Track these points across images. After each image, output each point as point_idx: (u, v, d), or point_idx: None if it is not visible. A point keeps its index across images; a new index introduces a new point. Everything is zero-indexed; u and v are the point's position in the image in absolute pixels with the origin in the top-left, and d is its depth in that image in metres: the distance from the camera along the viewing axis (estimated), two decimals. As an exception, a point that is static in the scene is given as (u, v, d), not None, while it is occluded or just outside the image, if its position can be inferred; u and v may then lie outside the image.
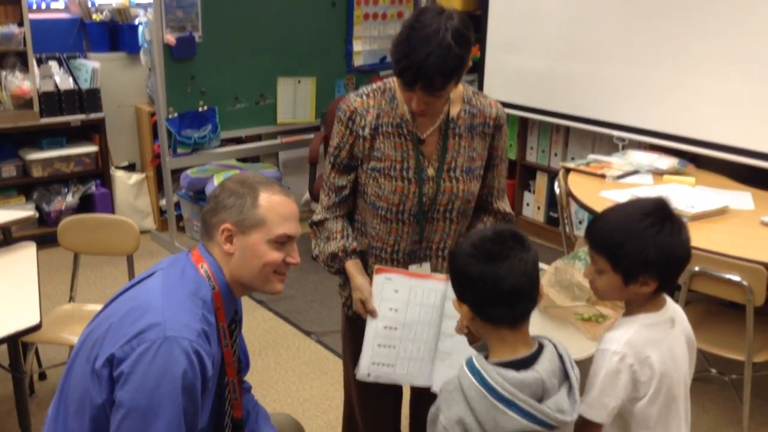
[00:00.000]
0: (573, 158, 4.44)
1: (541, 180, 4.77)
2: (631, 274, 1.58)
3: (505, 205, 2.05)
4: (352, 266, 1.94)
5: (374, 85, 1.97)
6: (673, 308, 1.69)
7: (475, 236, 1.50)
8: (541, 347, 1.47)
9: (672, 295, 1.70)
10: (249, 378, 3.34)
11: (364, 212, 2.00)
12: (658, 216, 1.57)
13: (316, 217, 2.05)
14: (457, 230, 1.96)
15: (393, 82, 1.91)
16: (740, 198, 3.14)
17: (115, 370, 1.47)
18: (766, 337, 2.77)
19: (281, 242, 1.62)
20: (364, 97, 1.93)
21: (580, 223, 4.44)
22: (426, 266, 1.93)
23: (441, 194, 1.90)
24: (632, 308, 1.66)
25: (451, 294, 1.56)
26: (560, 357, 1.48)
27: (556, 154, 4.65)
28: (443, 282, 1.85)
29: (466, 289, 1.48)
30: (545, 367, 1.41)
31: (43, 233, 4.29)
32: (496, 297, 1.43)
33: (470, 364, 1.42)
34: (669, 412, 1.66)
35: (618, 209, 1.67)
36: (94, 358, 1.51)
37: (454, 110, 1.92)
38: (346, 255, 1.95)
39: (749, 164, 3.49)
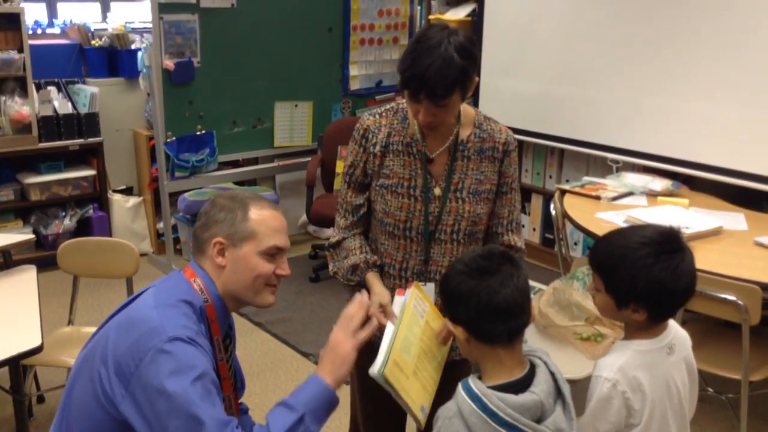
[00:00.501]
0: (568, 180, 4.48)
1: (537, 202, 4.81)
2: (621, 299, 1.58)
3: (517, 239, 2.03)
4: (373, 277, 1.95)
5: (387, 106, 2.02)
6: (674, 334, 1.67)
7: (465, 256, 1.53)
8: (533, 366, 1.48)
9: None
10: (247, 400, 3.32)
11: (375, 229, 2.03)
12: (658, 248, 1.54)
13: (333, 239, 2.06)
14: None
15: (405, 103, 1.95)
16: (734, 219, 3.18)
17: (122, 381, 1.47)
18: (762, 355, 2.79)
19: (272, 254, 1.66)
20: (377, 116, 1.99)
21: (576, 244, 4.47)
22: (430, 286, 1.95)
23: (446, 214, 1.93)
24: (630, 332, 1.66)
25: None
26: (552, 374, 1.48)
27: (551, 177, 4.70)
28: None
29: (460, 308, 1.47)
30: (543, 388, 1.42)
31: (41, 256, 4.30)
32: (490, 312, 1.43)
33: (468, 389, 1.41)
34: None
35: (622, 232, 1.67)
36: (98, 377, 1.52)
37: (465, 133, 1.96)
38: (367, 266, 1.96)
39: (742, 186, 3.54)
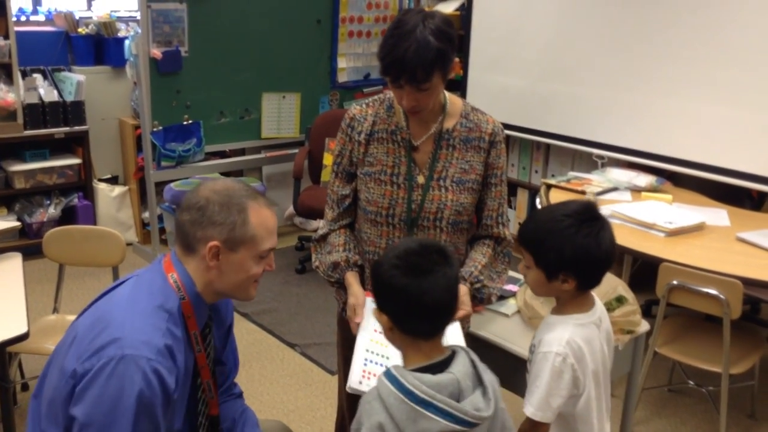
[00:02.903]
0: (553, 175, 4.52)
1: (522, 196, 4.85)
2: (550, 270, 1.66)
3: (506, 231, 2.05)
4: (352, 277, 1.96)
5: (374, 97, 2.05)
6: (600, 309, 1.78)
7: (400, 247, 1.50)
8: (454, 353, 1.49)
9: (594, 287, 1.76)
10: (234, 389, 3.29)
11: (359, 219, 2.05)
12: (579, 218, 1.64)
13: (320, 232, 2.08)
14: (451, 241, 1.99)
15: (391, 93, 1.96)
16: (716, 215, 3.23)
17: (78, 385, 1.46)
18: (742, 349, 2.84)
19: (265, 256, 1.64)
20: (363, 106, 2.02)
21: (560, 239, 4.51)
22: None
23: (429, 202, 1.94)
24: (563, 307, 1.74)
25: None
26: (473, 363, 1.48)
27: (536, 171, 4.74)
28: None
29: (388, 301, 1.47)
30: (459, 369, 1.43)
31: (25, 245, 4.27)
32: (417, 311, 1.43)
33: (388, 373, 1.43)
34: (600, 407, 1.75)
35: (546, 210, 1.77)
36: (63, 369, 1.50)
37: (450, 122, 1.97)
38: (348, 266, 1.98)
39: (725, 182, 3.59)
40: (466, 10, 4.82)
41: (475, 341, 2.10)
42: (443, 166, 1.96)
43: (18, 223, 3.43)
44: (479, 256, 2.00)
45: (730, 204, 3.43)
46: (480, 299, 1.97)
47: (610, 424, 1.84)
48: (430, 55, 1.74)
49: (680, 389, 3.30)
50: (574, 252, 1.62)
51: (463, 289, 1.89)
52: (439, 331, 1.48)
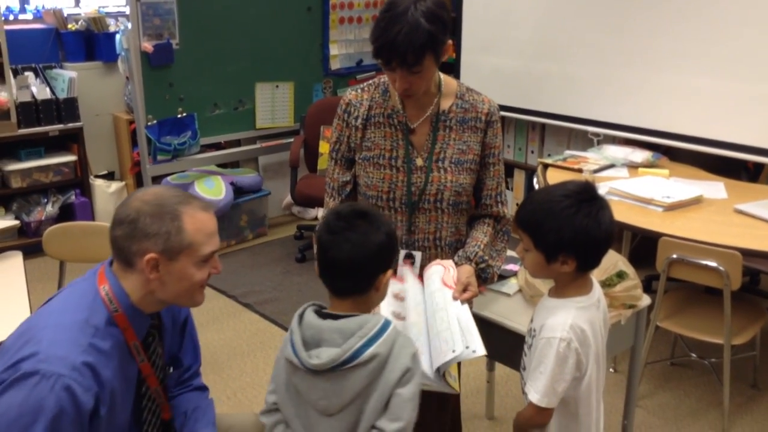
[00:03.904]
0: (550, 155, 4.52)
1: (519, 177, 4.85)
2: (550, 252, 1.65)
3: (505, 210, 2.08)
4: None
5: (369, 81, 2.04)
6: (598, 290, 1.77)
7: (343, 206, 1.62)
8: (367, 319, 1.52)
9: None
10: (238, 379, 3.35)
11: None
12: (578, 198, 1.62)
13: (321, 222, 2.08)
14: (452, 222, 2.01)
15: (386, 78, 1.96)
16: (713, 188, 3.24)
17: None
18: (742, 320, 2.86)
19: (207, 260, 1.59)
20: (359, 91, 2.02)
21: (559, 218, 4.51)
22: (418, 255, 1.98)
23: (429, 184, 1.95)
24: (562, 289, 1.73)
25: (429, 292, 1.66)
26: (371, 337, 1.50)
27: (533, 152, 4.74)
28: (420, 285, 1.91)
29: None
30: (335, 325, 1.51)
31: (24, 243, 4.26)
32: (321, 266, 1.56)
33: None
34: (599, 387, 1.76)
35: (543, 191, 1.75)
36: None
37: (446, 103, 1.97)
38: None
39: (720, 155, 3.59)
40: (456, -8, 4.80)
41: (478, 321, 2.10)
42: (441, 147, 1.96)
43: (17, 222, 3.43)
44: (480, 235, 2.01)
45: (727, 176, 3.44)
46: (484, 279, 1.98)
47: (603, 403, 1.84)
48: (421, 38, 1.74)
49: (683, 362, 3.32)
50: (574, 233, 1.60)
51: (469, 270, 1.90)
52: (342, 293, 1.56)
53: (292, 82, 4.88)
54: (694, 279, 2.73)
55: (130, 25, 4.19)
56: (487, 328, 1.98)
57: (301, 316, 1.57)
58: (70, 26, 4.82)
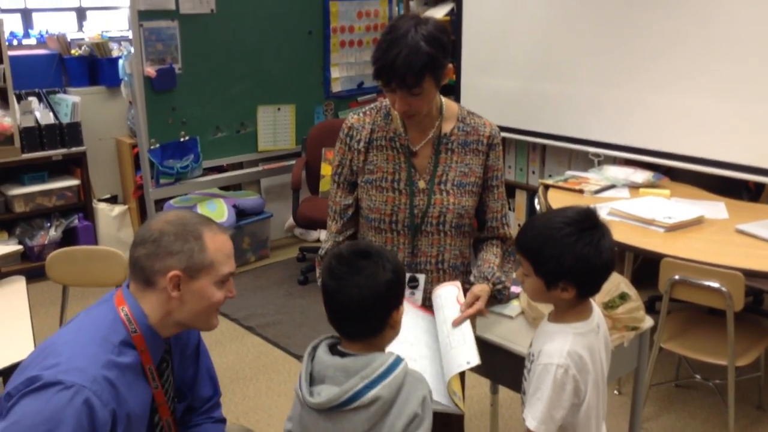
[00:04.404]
0: (551, 175, 4.53)
1: (521, 197, 4.86)
2: (550, 279, 1.64)
3: (510, 231, 2.09)
4: None
5: (371, 105, 2.06)
6: (598, 315, 1.76)
7: (343, 247, 1.58)
8: (377, 359, 1.47)
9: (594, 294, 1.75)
10: (241, 404, 3.33)
11: (362, 228, 2.06)
12: (579, 226, 1.61)
13: (325, 246, 2.08)
14: (455, 245, 2.01)
15: (388, 101, 1.98)
16: (715, 208, 3.24)
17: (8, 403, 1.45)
18: (746, 341, 2.85)
19: (225, 281, 1.63)
20: (361, 115, 2.03)
21: (561, 238, 4.51)
22: (422, 278, 1.98)
23: (432, 206, 1.96)
24: (561, 315, 1.72)
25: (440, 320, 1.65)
26: (377, 378, 1.45)
27: (533, 172, 4.75)
28: (430, 315, 1.91)
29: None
30: (342, 362, 1.47)
31: (27, 268, 4.28)
32: (330, 313, 1.52)
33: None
34: (599, 413, 1.74)
35: (543, 216, 1.75)
36: (7, 392, 1.49)
37: (447, 127, 1.99)
38: None
39: (721, 175, 3.60)
40: (455, 15, 4.84)
41: (480, 344, 2.10)
42: (443, 170, 1.98)
43: (20, 247, 3.43)
44: (491, 257, 2.03)
45: (728, 196, 3.44)
46: (499, 300, 1.99)
47: (605, 426, 1.82)
48: (420, 61, 1.76)
49: (687, 384, 3.31)
50: (574, 261, 1.59)
51: (485, 288, 1.92)
52: (355, 336, 1.52)
53: (294, 104, 4.91)
54: (696, 300, 2.72)
55: (132, 50, 4.23)
56: (489, 350, 1.98)
57: (315, 348, 1.54)
58: (73, 51, 4.87)
